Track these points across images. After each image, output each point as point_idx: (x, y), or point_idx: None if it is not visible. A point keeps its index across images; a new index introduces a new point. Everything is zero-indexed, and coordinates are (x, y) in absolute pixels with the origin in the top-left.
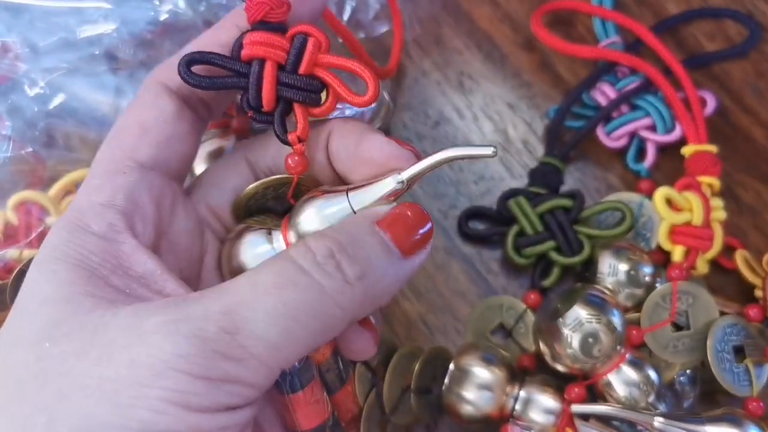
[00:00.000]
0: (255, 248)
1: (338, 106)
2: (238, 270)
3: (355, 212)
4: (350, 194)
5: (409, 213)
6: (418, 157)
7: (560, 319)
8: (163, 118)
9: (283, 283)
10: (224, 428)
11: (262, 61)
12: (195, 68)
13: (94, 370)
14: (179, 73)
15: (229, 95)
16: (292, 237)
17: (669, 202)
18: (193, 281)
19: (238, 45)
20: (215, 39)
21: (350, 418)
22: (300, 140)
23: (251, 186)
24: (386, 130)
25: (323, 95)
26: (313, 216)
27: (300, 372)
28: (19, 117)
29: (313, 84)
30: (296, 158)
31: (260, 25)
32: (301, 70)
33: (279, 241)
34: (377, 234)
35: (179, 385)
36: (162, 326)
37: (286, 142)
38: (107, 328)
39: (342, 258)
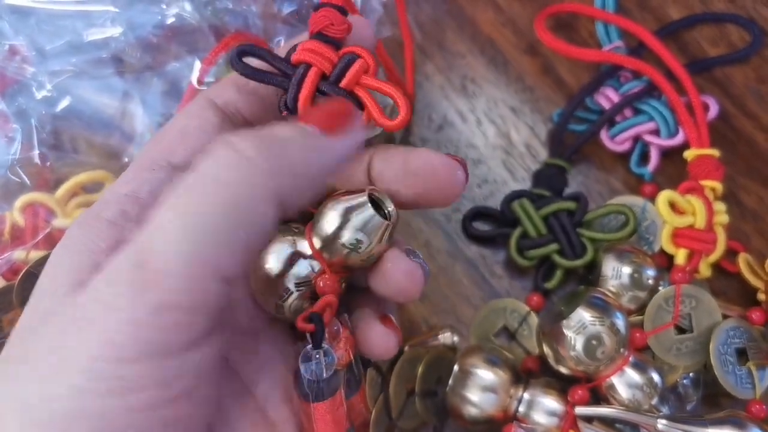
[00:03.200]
0: (281, 256)
1: None
2: (264, 277)
3: (375, 213)
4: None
5: (332, 105)
6: (464, 167)
7: (564, 322)
8: (204, 127)
9: (180, 192)
10: (192, 367)
11: (308, 67)
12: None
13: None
14: (230, 60)
15: (273, 116)
16: (317, 242)
17: (672, 206)
18: None
19: (292, 50)
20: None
21: (361, 422)
22: None
23: None
24: (390, 135)
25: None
26: (335, 218)
27: (329, 381)
28: (27, 119)
29: (349, 99)
30: None
31: (318, 36)
32: (343, 83)
33: (304, 246)
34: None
35: (133, 335)
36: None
37: None
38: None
39: (235, 140)
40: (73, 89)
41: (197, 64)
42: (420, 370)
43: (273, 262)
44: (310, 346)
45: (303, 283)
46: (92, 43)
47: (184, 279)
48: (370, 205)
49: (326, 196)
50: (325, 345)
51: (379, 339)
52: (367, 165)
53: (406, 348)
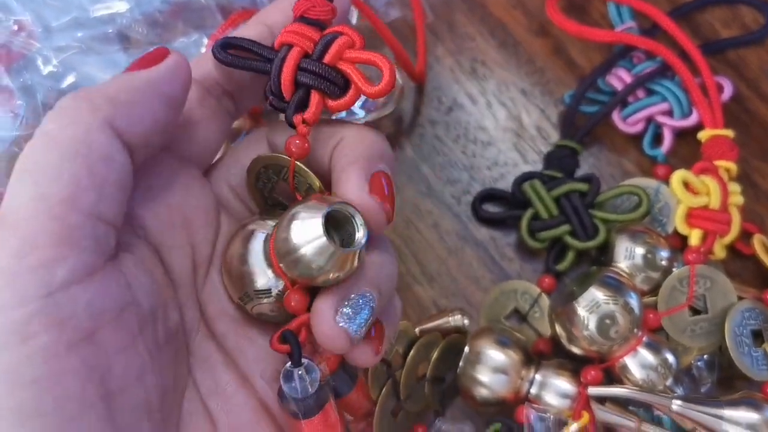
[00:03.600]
0: (253, 246)
1: None
2: (227, 263)
3: (329, 241)
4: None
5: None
6: (387, 215)
7: (577, 301)
8: None
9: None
10: (83, 305)
11: (289, 48)
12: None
13: None
14: (212, 51)
15: (256, 89)
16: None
17: (686, 186)
18: (204, 259)
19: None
20: (263, 18)
21: (362, 414)
22: (305, 122)
23: (251, 162)
24: (399, 117)
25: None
26: (287, 231)
27: (316, 395)
28: (32, 95)
29: (332, 74)
30: (297, 141)
31: (301, 19)
32: (326, 59)
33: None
34: None
35: (7, 283)
36: None
37: (292, 125)
38: None
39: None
40: (78, 65)
41: (205, 41)
42: (434, 356)
43: (244, 248)
44: (290, 364)
45: (263, 292)
46: (98, 18)
47: (38, 219)
48: (323, 231)
49: (314, 193)
50: (305, 360)
51: (356, 355)
52: (334, 147)
53: (417, 331)
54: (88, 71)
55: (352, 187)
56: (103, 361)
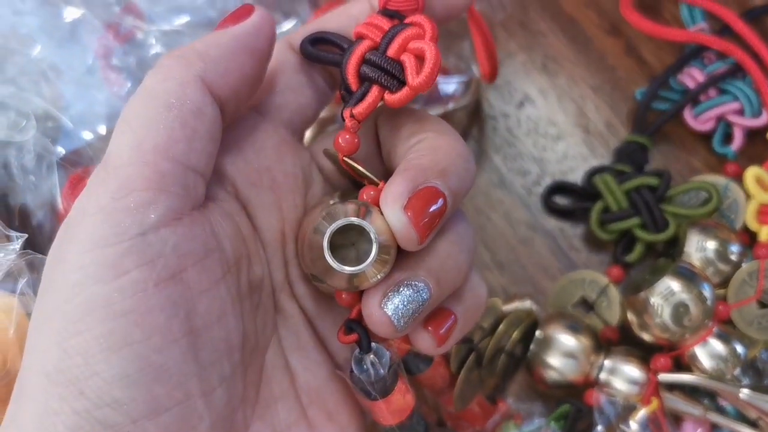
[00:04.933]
0: (316, 219)
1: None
2: (300, 239)
3: (332, 263)
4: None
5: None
6: (418, 235)
7: (651, 289)
8: (282, 67)
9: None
10: (170, 246)
11: (360, 40)
12: None
13: None
14: (300, 45)
15: None
16: None
17: (758, 182)
18: (292, 223)
19: None
20: (348, 9)
21: (440, 387)
22: (353, 116)
23: (323, 152)
24: (474, 108)
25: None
26: (305, 250)
27: (388, 376)
28: (138, 76)
29: (395, 67)
30: (346, 136)
31: (383, 11)
32: (389, 52)
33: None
34: None
35: (103, 221)
36: None
37: (344, 119)
38: None
39: None
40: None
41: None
42: (518, 332)
43: (302, 228)
44: (358, 351)
45: (318, 279)
46: (201, 2)
47: (135, 165)
48: (328, 254)
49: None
50: (374, 345)
51: (420, 344)
52: (412, 145)
53: (504, 307)
54: None
55: (388, 197)
56: (188, 299)
